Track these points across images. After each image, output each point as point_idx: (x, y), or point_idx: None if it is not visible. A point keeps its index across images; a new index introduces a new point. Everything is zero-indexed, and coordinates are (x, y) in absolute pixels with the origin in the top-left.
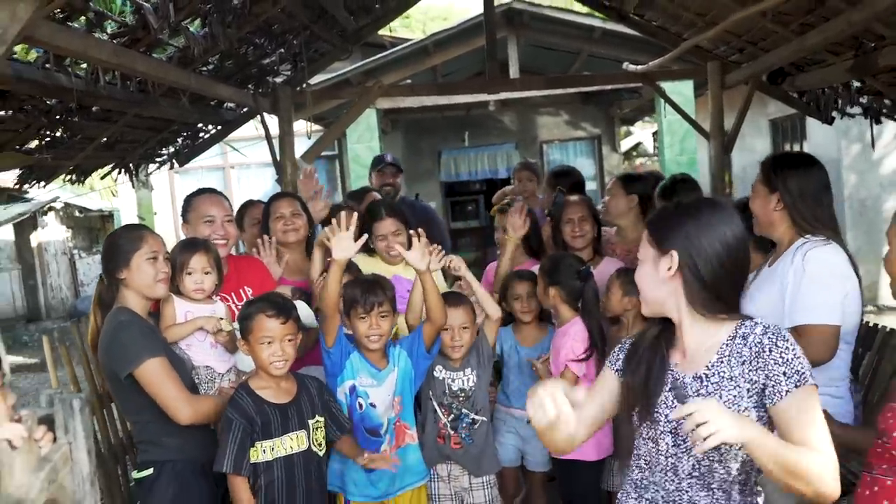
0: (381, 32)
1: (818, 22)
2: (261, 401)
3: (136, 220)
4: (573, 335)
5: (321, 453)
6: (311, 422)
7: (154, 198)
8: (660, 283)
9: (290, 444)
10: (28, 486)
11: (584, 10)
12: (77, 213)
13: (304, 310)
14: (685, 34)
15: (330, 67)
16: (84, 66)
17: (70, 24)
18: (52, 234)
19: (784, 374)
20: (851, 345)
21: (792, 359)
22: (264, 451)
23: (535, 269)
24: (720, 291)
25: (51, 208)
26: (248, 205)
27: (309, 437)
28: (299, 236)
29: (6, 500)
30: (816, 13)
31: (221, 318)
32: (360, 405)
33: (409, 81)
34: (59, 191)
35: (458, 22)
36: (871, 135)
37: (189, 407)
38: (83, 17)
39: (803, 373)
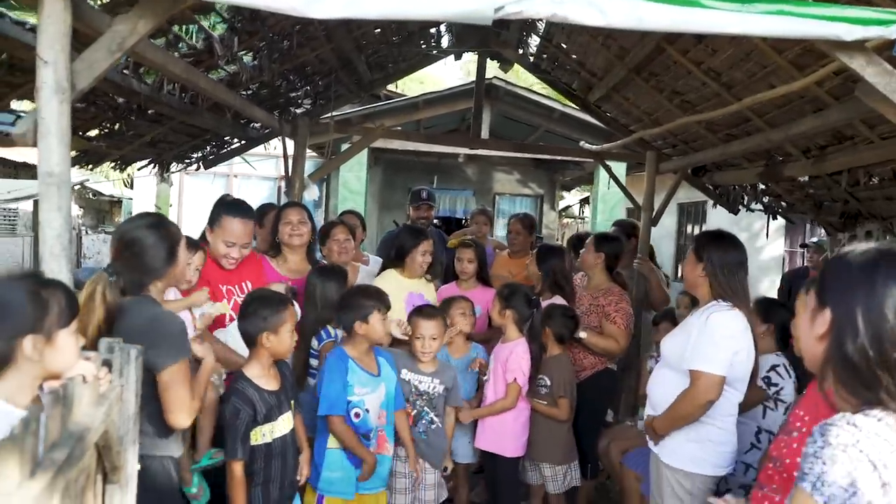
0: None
1: (741, 134)
2: (260, 389)
3: (151, 209)
4: (520, 353)
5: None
6: (292, 402)
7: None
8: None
9: (284, 425)
10: (92, 416)
11: (549, 93)
12: (91, 196)
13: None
14: (632, 126)
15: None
16: (152, 75)
17: (153, 41)
18: None
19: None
20: (740, 391)
21: None
22: (264, 435)
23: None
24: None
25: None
26: (268, 208)
27: (293, 417)
28: (302, 241)
29: (76, 425)
30: (741, 128)
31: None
32: (357, 414)
33: (398, 128)
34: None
35: (446, 88)
36: (767, 227)
37: (190, 415)
38: (164, 38)
39: None
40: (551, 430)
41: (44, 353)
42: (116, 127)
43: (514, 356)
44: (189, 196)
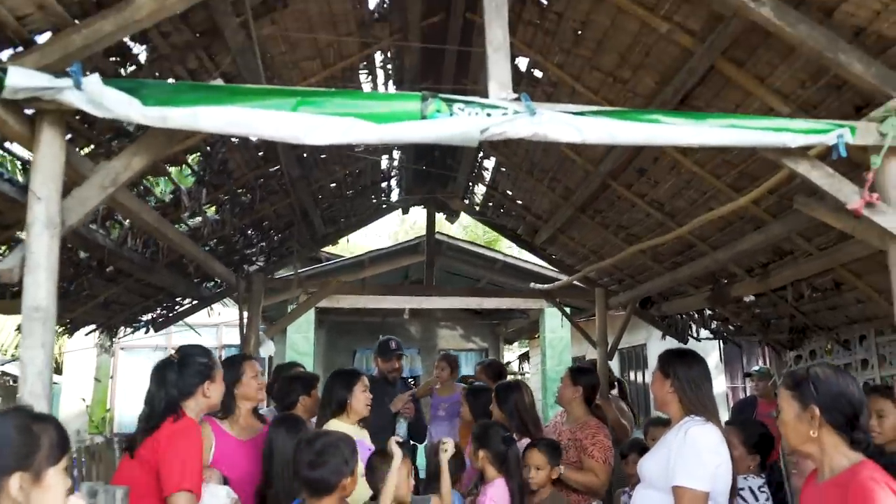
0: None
1: (686, 261)
2: None
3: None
4: (493, 494)
5: None
6: None
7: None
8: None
9: None
10: None
11: (488, 242)
12: (11, 383)
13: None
14: (578, 266)
15: (279, 273)
16: (116, 229)
17: None
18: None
19: None
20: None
21: None
22: None
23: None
24: None
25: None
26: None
27: None
28: (262, 396)
29: None
30: (686, 254)
31: None
32: None
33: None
34: None
35: (392, 244)
36: (720, 352)
37: None
38: (135, 188)
39: None
40: None
41: (30, 493)
42: (73, 286)
43: (488, 501)
44: (124, 372)
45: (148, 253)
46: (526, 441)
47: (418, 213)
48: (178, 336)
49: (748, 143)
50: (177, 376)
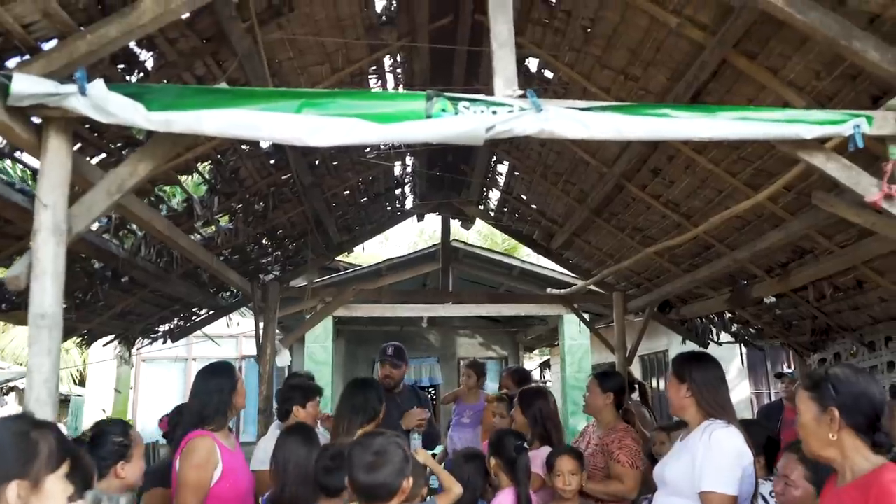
0: (339, 259)
1: (704, 263)
2: None
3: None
4: (500, 500)
5: None
6: None
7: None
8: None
9: None
10: None
11: (507, 250)
12: None
13: None
14: (594, 270)
15: (294, 282)
16: (129, 240)
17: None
18: (8, 411)
19: None
20: None
21: None
22: None
23: None
24: None
25: (13, 388)
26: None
27: None
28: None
29: None
30: (703, 256)
31: None
32: None
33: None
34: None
35: (409, 252)
36: (741, 356)
37: None
38: (147, 199)
39: None
40: None
41: (29, 501)
42: (88, 297)
43: None
44: (146, 383)
45: (162, 262)
46: (547, 448)
47: (435, 222)
48: (198, 347)
49: (761, 135)
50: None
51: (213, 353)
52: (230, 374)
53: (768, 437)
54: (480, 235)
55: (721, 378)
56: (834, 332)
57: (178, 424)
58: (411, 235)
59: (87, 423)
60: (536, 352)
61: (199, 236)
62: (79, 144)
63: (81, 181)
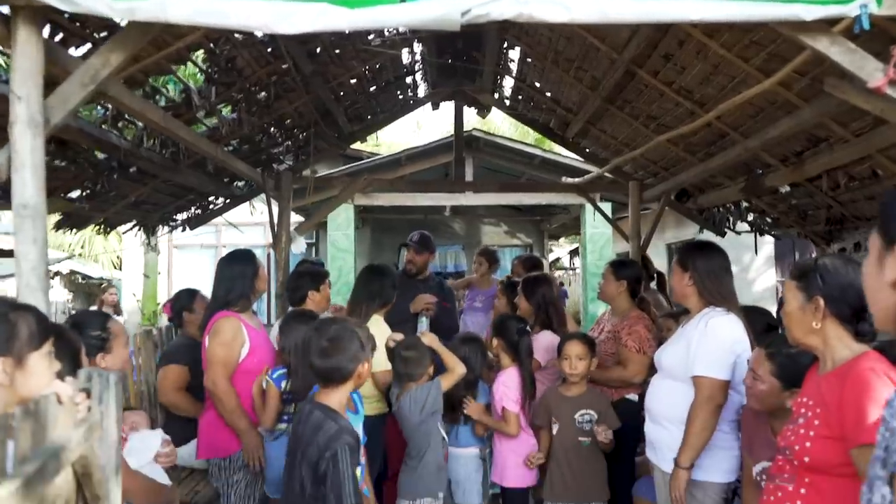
0: (361, 147)
1: (718, 151)
2: None
3: (140, 283)
4: (505, 381)
5: None
6: None
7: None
8: (886, 291)
9: None
10: (68, 437)
11: (528, 139)
12: (80, 280)
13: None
14: (611, 160)
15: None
16: (131, 131)
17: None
18: (54, 295)
19: None
20: (742, 395)
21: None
22: None
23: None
24: None
25: (57, 273)
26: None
27: None
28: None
29: (50, 444)
30: (718, 144)
31: None
32: None
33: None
34: (67, 262)
35: (429, 141)
36: (755, 245)
37: None
38: (141, 90)
39: None
40: (590, 463)
41: (14, 376)
42: (98, 186)
43: (500, 386)
44: (178, 269)
45: (167, 153)
46: (547, 333)
47: (468, 112)
48: (226, 234)
49: (756, 17)
50: None
51: (241, 240)
52: (251, 260)
53: (768, 323)
54: (513, 126)
55: (724, 268)
56: (848, 222)
57: (180, 309)
58: (446, 125)
59: (124, 307)
60: (566, 240)
61: (204, 128)
62: (60, 35)
63: (62, 73)
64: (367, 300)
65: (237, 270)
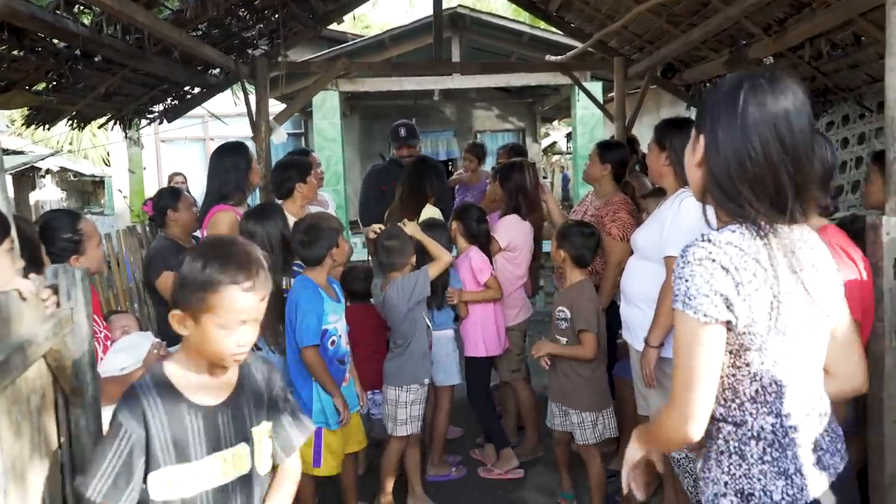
0: (346, 30)
1: (701, 21)
2: (178, 400)
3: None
4: (473, 256)
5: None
6: (255, 430)
7: (143, 156)
8: (694, 169)
9: (223, 467)
10: (34, 332)
11: (516, 17)
12: (72, 177)
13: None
14: (596, 34)
15: (298, 54)
16: (89, 17)
17: None
18: (48, 194)
19: None
20: None
21: None
22: (179, 485)
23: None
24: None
25: (48, 171)
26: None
27: (252, 455)
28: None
29: (16, 339)
30: (700, 14)
31: None
32: (333, 342)
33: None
34: (56, 158)
35: (411, 21)
36: None
37: None
38: None
39: None
40: (576, 371)
41: None
42: (63, 79)
43: (475, 261)
44: (167, 163)
45: (132, 40)
46: (514, 216)
47: None
48: (213, 127)
49: None
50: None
51: (229, 132)
52: (244, 152)
53: None
54: (506, 6)
55: None
56: (832, 94)
57: (164, 207)
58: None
59: (115, 203)
60: (560, 122)
61: (168, 11)
62: None
63: None
64: (417, 195)
65: (229, 163)
